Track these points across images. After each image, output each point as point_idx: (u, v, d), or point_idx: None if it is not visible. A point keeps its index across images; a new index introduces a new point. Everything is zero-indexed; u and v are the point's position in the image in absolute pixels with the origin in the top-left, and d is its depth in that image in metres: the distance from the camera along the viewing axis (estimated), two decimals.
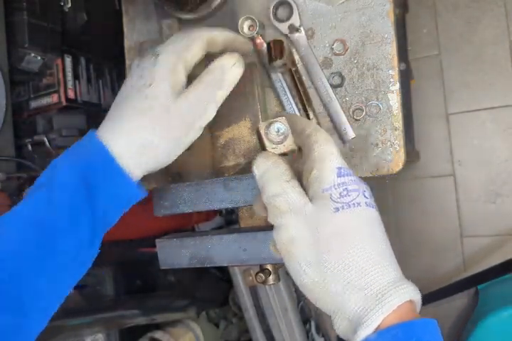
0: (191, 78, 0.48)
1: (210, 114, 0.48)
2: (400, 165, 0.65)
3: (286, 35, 0.69)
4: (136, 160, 0.44)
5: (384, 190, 1.20)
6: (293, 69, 0.69)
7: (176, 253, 0.56)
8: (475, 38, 1.14)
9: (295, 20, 0.68)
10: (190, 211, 0.57)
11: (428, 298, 1.10)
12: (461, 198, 1.17)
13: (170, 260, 0.57)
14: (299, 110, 0.69)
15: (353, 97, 0.67)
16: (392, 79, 0.64)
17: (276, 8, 0.68)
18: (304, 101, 0.69)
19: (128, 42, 0.86)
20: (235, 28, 0.71)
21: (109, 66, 0.96)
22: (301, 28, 0.68)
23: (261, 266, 0.55)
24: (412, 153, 0.97)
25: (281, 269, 0.56)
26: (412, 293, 0.34)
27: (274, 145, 0.43)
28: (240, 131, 0.68)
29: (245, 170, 0.67)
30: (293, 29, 0.68)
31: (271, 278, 0.54)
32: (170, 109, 0.45)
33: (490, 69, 1.13)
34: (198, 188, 0.58)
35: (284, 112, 0.58)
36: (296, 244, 0.37)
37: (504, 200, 1.13)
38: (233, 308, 1.30)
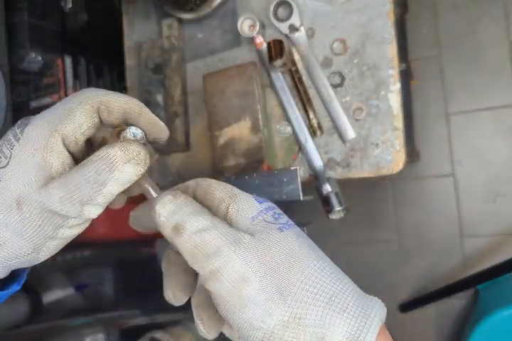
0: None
1: (75, 229, 0.34)
2: (400, 165, 0.65)
3: (286, 35, 0.69)
4: None
5: (384, 190, 1.20)
6: (293, 69, 0.69)
7: None
8: (475, 38, 1.14)
9: (295, 20, 0.68)
10: None
11: (428, 298, 1.11)
12: (461, 198, 1.17)
13: None
14: (299, 110, 0.69)
15: (353, 97, 0.67)
16: (392, 79, 0.64)
17: (276, 8, 0.68)
18: (304, 101, 0.69)
19: (128, 42, 0.86)
20: (235, 28, 0.72)
21: (109, 66, 0.96)
22: (301, 28, 0.68)
23: None
24: (412, 153, 0.97)
25: None
26: (381, 303, 0.32)
27: None
28: (240, 131, 0.68)
29: (245, 170, 0.67)
30: (293, 29, 0.68)
31: None
32: (24, 202, 0.32)
33: (490, 69, 1.13)
34: None
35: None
36: (250, 281, 0.29)
37: (504, 200, 1.13)
38: None
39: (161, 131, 0.36)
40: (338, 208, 0.65)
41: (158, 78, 0.82)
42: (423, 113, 1.17)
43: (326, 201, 0.66)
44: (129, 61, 0.86)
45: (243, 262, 0.30)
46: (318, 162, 0.68)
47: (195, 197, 0.34)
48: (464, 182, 1.17)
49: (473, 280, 1.00)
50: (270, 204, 0.33)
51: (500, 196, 1.14)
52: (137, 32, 0.85)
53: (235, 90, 0.68)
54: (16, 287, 0.36)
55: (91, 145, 0.36)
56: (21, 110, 0.88)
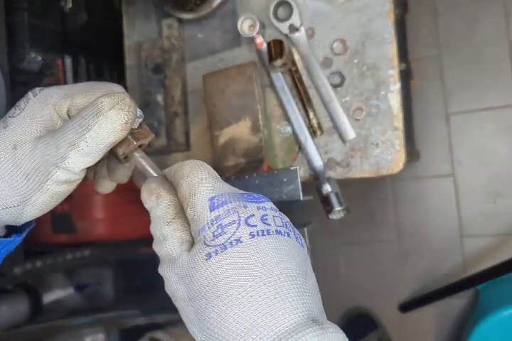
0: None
1: (60, 174, 0.34)
2: (400, 165, 0.65)
3: (286, 35, 0.69)
4: None
5: (384, 190, 1.20)
6: (293, 69, 0.69)
7: None
8: (475, 37, 1.14)
9: (295, 20, 0.68)
10: None
11: (428, 298, 1.11)
12: (461, 198, 1.17)
13: None
14: (299, 110, 0.69)
15: (353, 97, 0.67)
16: (392, 79, 0.64)
17: (276, 8, 0.69)
18: (304, 101, 0.69)
19: (128, 42, 0.86)
20: (235, 28, 0.72)
21: (109, 66, 0.96)
22: (301, 28, 0.68)
23: None
24: (412, 153, 0.97)
25: None
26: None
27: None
28: (240, 131, 0.68)
29: (245, 170, 0.67)
30: (293, 29, 0.68)
31: None
32: (19, 146, 0.34)
33: (490, 69, 1.13)
34: None
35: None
36: (177, 301, 0.32)
37: (504, 200, 1.13)
38: None
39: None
40: (338, 208, 0.65)
41: (158, 78, 0.82)
42: (423, 113, 1.17)
43: (326, 201, 0.66)
44: (129, 61, 0.86)
45: (172, 283, 0.32)
46: (318, 162, 0.68)
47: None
48: (463, 182, 1.17)
49: (473, 281, 1.00)
50: (223, 210, 0.31)
51: (500, 196, 1.14)
52: (137, 32, 0.85)
53: (235, 90, 0.68)
54: (16, 237, 0.37)
55: None
56: None
